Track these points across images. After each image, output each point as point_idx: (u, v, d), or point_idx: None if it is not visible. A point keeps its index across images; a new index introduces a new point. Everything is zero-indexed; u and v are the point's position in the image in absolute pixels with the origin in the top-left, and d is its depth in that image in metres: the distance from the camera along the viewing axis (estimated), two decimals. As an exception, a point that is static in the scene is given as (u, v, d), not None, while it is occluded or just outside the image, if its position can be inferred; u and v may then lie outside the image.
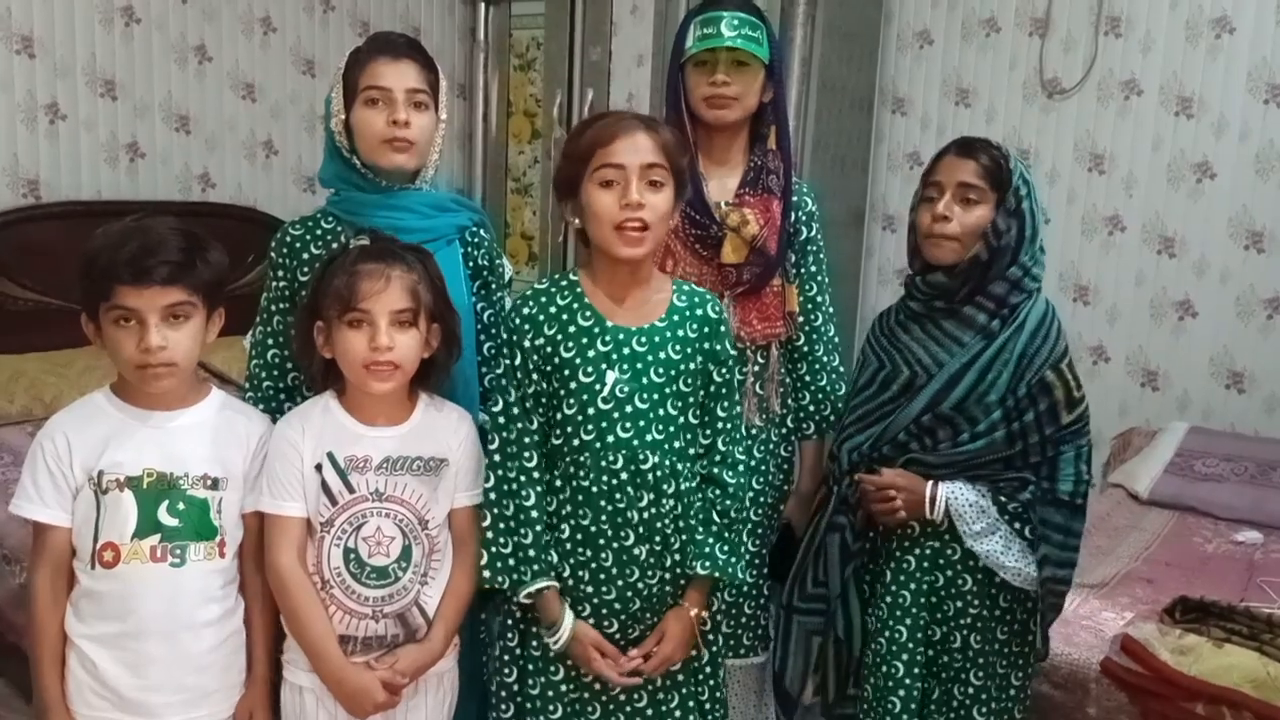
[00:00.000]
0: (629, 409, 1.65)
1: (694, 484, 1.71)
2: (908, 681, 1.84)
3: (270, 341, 1.83)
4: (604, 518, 1.66)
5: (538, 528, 1.66)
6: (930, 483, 1.80)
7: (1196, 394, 3.65)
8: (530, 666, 1.72)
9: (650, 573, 1.68)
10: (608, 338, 1.66)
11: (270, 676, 1.71)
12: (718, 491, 1.74)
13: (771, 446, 2.09)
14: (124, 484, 1.56)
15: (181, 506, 1.58)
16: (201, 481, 1.60)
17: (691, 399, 1.70)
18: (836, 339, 2.15)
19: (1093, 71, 3.72)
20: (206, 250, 1.58)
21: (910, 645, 1.84)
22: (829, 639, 1.92)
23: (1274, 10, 3.40)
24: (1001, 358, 1.77)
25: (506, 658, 1.73)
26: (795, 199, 2.05)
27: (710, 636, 1.79)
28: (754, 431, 2.05)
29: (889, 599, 1.86)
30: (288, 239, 1.81)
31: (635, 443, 1.65)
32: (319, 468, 1.63)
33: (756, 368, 2.04)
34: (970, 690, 1.87)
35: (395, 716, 1.68)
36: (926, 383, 1.81)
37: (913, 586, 1.85)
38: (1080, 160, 3.80)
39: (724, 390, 1.74)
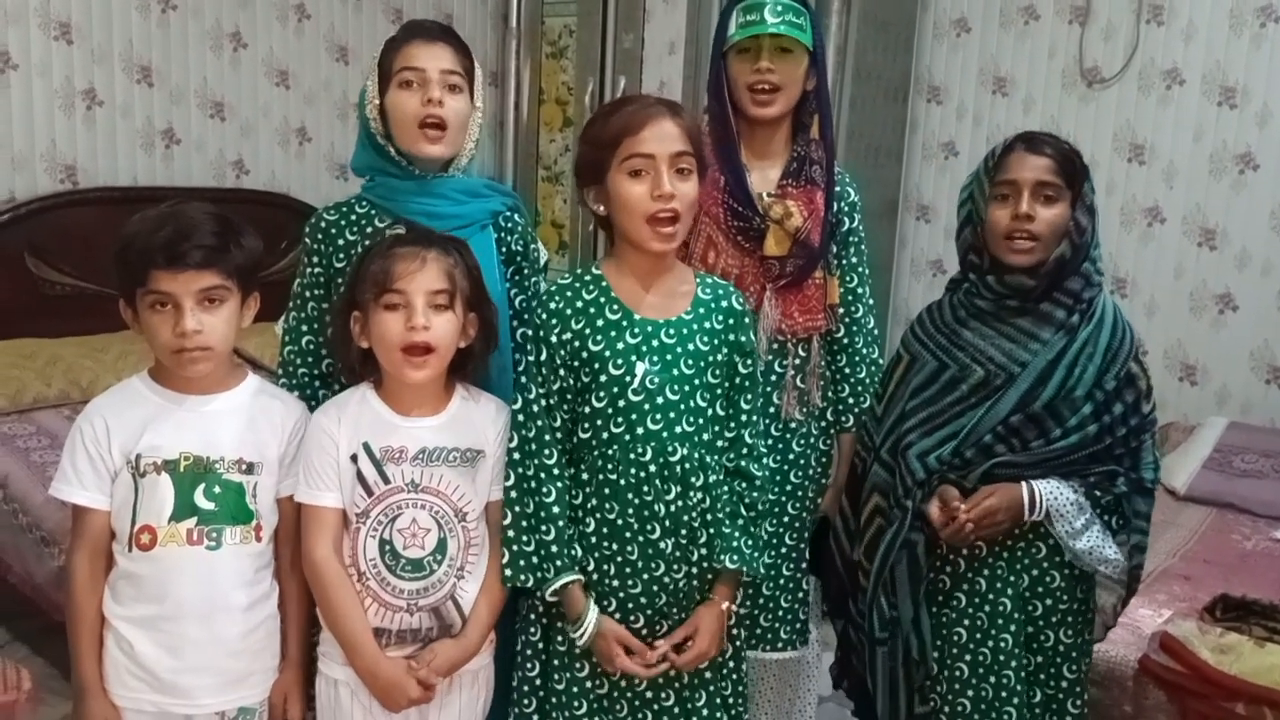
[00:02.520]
0: (659, 400, 1.64)
1: (721, 477, 1.70)
2: (1020, 689, 1.79)
3: (304, 328, 1.82)
4: (630, 511, 1.65)
5: (560, 523, 1.64)
6: (1024, 486, 1.73)
7: (1236, 389, 3.60)
8: (555, 662, 1.72)
9: (676, 566, 1.67)
10: (636, 330, 1.66)
11: (305, 661, 1.72)
12: (744, 484, 1.73)
13: (812, 440, 2.07)
14: (161, 467, 1.57)
15: (218, 490, 1.59)
16: (237, 465, 1.61)
17: (719, 390, 1.70)
18: (876, 331, 2.13)
19: (1134, 60, 3.67)
20: (240, 234, 1.59)
21: (1017, 651, 1.79)
22: (898, 660, 1.85)
23: (1322, -2, 3.34)
24: (1085, 352, 1.75)
25: (529, 652, 1.73)
26: (838, 189, 2.03)
27: (734, 631, 1.77)
28: (794, 425, 2.03)
29: (988, 608, 1.80)
30: (322, 224, 1.81)
31: (664, 434, 1.64)
32: (354, 458, 1.62)
33: (797, 360, 2.01)
34: (1064, 684, 1.84)
35: (429, 712, 1.67)
36: (1007, 381, 1.76)
37: (1010, 592, 1.79)
38: (1120, 151, 3.74)
39: (748, 383, 1.74)
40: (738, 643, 1.79)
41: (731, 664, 1.78)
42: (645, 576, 1.66)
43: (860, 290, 2.08)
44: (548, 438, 1.66)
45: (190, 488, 1.58)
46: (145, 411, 1.59)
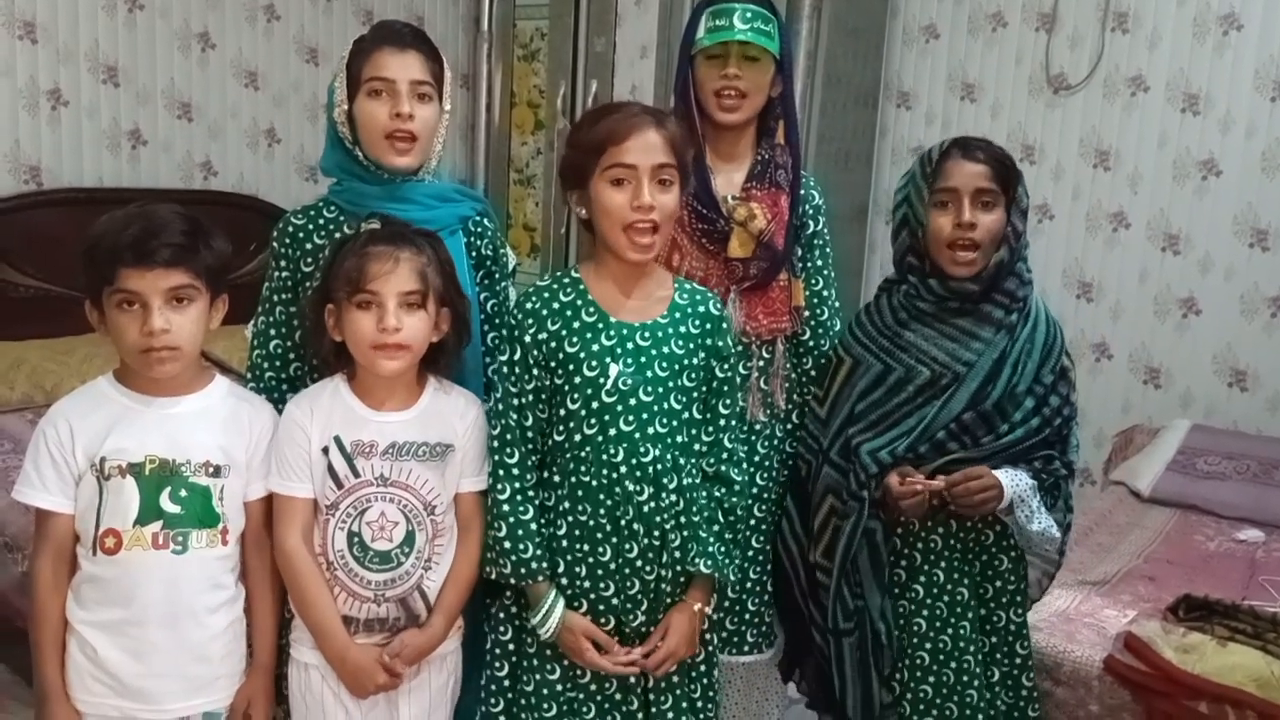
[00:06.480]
0: (632, 402, 1.65)
1: (695, 480, 1.71)
2: (978, 670, 1.87)
3: (273, 332, 1.82)
4: (603, 512, 1.66)
5: (511, 520, 1.67)
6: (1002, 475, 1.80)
7: (1199, 392, 3.64)
8: (525, 663, 1.72)
9: (648, 568, 1.67)
10: (611, 332, 1.67)
11: (273, 665, 1.71)
12: (723, 489, 1.75)
13: (775, 442, 2.07)
14: (126, 470, 1.55)
15: (184, 493, 1.58)
16: (204, 468, 1.60)
17: (694, 394, 1.71)
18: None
19: (1099, 67, 3.71)
20: (209, 235, 1.59)
21: (975, 637, 1.86)
22: (867, 649, 1.89)
23: (1282, 8, 3.39)
24: (1025, 349, 1.83)
25: (499, 651, 1.75)
26: (802, 193, 2.04)
27: (707, 635, 1.78)
28: (758, 427, 2.03)
29: (946, 598, 1.86)
30: (290, 229, 1.80)
31: (637, 435, 1.65)
32: (325, 451, 1.64)
33: (761, 363, 2.02)
34: (1018, 660, 1.93)
35: (397, 698, 1.69)
36: (954, 380, 1.83)
37: (967, 581, 1.87)
38: (1085, 156, 3.78)
39: (726, 387, 1.76)
40: (710, 648, 1.80)
41: (703, 668, 1.78)
42: (617, 578, 1.67)
43: (825, 293, 2.09)
44: (510, 436, 1.69)
45: (156, 491, 1.56)
46: (110, 414, 1.58)
